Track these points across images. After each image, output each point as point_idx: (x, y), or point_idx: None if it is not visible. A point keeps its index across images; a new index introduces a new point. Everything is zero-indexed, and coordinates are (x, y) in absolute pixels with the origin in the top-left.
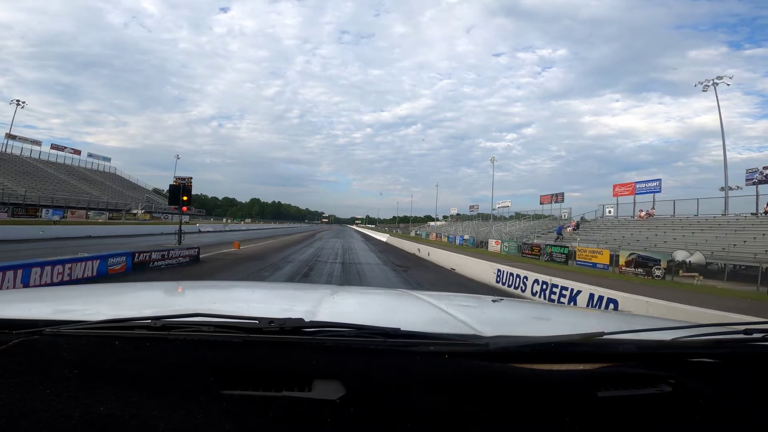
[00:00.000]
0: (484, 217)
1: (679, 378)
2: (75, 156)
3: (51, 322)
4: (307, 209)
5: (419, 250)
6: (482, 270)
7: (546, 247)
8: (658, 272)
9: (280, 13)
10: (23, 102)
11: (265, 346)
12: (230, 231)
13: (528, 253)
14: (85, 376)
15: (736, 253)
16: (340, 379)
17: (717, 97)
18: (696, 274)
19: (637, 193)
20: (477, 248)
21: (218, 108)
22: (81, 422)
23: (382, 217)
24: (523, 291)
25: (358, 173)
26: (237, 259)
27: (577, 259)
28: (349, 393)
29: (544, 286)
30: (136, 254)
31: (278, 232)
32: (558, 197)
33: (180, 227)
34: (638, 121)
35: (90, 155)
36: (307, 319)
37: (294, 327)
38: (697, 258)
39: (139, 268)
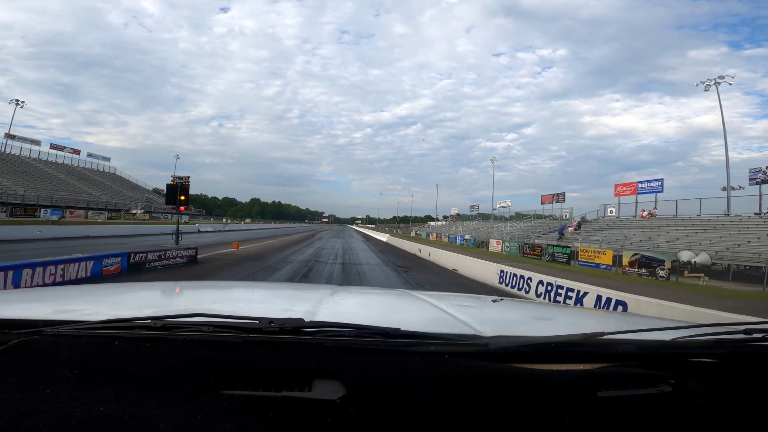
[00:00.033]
0: (485, 217)
1: (679, 378)
2: (74, 156)
3: (51, 322)
4: (307, 209)
5: (420, 250)
6: (484, 270)
7: (548, 247)
8: (662, 273)
9: (280, 13)
10: (22, 102)
11: (265, 346)
12: (230, 231)
13: (529, 254)
14: (85, 376)
15: (741, 254)
16: (340, 379)
17: (719, 96)
18: (701, 274)
19: (639, 193)
20: (478, 248)
21: (218, 108)
22: (81, 422)
23: (382, 217)
24: (527, 292)
25: (358, 173)
26: (235, 259)
27: (579, 259)
28: (349, 393)
29: (549, 288)
30: (132, 255)
31: (278, 232)
32: (559, 197)
33: (177, 227)
34: (638, 121)
35: (89, 155)
36: (307, 319)
37: (294, 327)
38: (702, 258)
39: (134, 269)
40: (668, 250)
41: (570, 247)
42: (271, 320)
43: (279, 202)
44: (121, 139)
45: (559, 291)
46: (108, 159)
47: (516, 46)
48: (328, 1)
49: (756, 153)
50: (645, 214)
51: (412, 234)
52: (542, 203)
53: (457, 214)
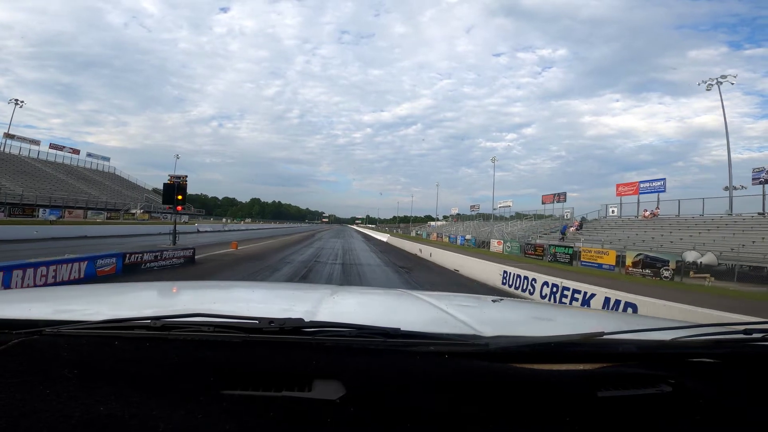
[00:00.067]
0: (485, 217)
1: (679, 378)
2: (74, 155)
3: (51, 322)
4: (307, 209)
5: (421, 250)
6: (486, 271)
7: (549, 247)
8: (666, 273)
9: (280, 13)
10: (22, 101)
11: (265, 346)
12: (229, 231)
13: (531, 254)
14: (85, 376)
15: (746, 254)
16: (340, 379)
17: (721, 96)
18: (707, 275)
19: (641, 193)
20: (479, 248)
21: (218, 108)
22: (81, 422)
23: (382, 217)
24: (531, 294)
25: (358, 173)
26: (234, 260)
27: (581, 259)
28: (349, 393)
29: (554, 289)
30: (127, 255)
31: (278, 232)
32: (560, 197)
33: (174, 227)
34: (638, 121)
35: (89, 155)
36: (307, 319)
37: (294, 327)
38: (708, 259)
39: (129, 270)
40: (671, 250)
41: (572, 247)
42: (271, 320)
43: (279, 202)
44: (121, 139)
45: (565, 293)
46: (107, 159)
47: (516, 46)
48: (328, 1)
49: (756, 153)
50: (647, 213)
51: (413, 234)
52: (543, 203)
53: (458, 214)
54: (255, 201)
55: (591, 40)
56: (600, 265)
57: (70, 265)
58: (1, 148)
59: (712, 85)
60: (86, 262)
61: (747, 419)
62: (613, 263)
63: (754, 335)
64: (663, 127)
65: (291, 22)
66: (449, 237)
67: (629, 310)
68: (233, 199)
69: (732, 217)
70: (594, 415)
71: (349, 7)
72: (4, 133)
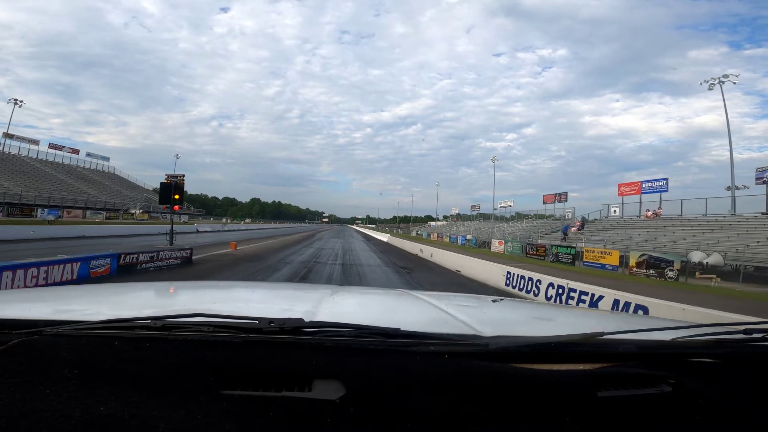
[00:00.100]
0: (486, 217)
1: (679, 378)
2: (73, 155)
3: (51, 322)
4: (307, 209)
5: (422, 250)
6: (489, 271)
7: (551, 247)
8: (671, 274)
9: (280, 13)
10: (21, 101)
11: (265, 346)
12: (229, 231)
13: (533, 254)
14: (85, 376)
15: (750, 254)
16: (340, 379)
17: (723, 95)
18: (713, 276)
19: (643, 193)
20: (480, 248)
21: (218, 108)
22: (81, 422)
23: (382, 217)
24: (536, 296)
25: (358, 173)
26: (232, 260)
27: (584, 260)
28: (349, 393)
29: (560, 291)
30: (122, 256)
31: (278, 232)
32: (561, 197)
33: (171, 227)
34: (638, 121)
35: (88, 154)
36: (307, 319)
37: (294, 327)
38: (715, 259)
39: (125, 271)
40: (675, 250)
41: (574, 247)
42: (271, 320)
43: (279, 202)
44: (122, 138)
45: (572, 294)
46: (107, 159)
47: (516, 46)
48: (328, 1)
49: (756, 153)
50: (650, 213)
51: (413, 234)
52: (544, 203)
53: (458, 214)
54: (255, 201)
55: (591, 40)
56: (603, 266)
57: (62, 266)
58: (1, 148)
59: (714, 84)
60: (79, 263)
61: (747, 419)
62: (617, 264)
63: (754, 335)
64: (663, 127)
65: (291, 22)
66: (450, 237)
67: (640, 313)
68: (233, 199)
69: (735, 217)
70: (594, 415)
71: (349, 7)
72: (3, 133)
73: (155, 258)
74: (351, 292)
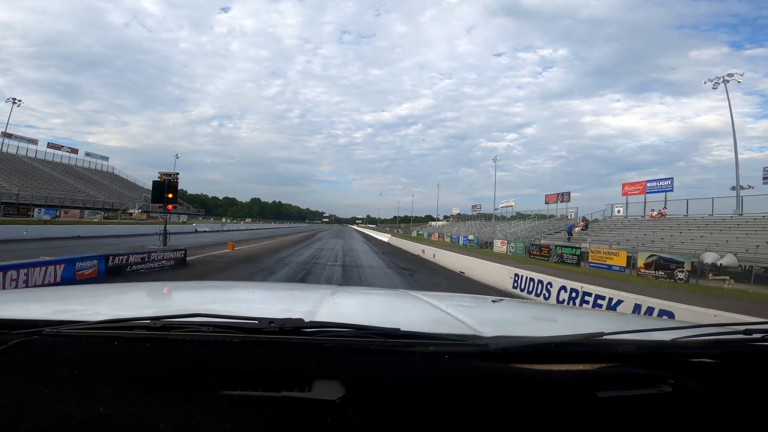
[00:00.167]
0: (487, 217)
1: (679, 378)
2: (72, 155)
3: (51, 322)
4: (307, 209)
5: (423, 251)
6: (494, 273)
7: (556, 248)
8: (681, 275)
9: (281, 12)
10: (19, 100)
11: (265, 347)
12: (228, 231)
13: (536, 254)
14: (85, 376)
15: (762, 254)
16: (340, 379)
17: (728, 94)
18: (726, 277)
19: (648, 192)
20: (482, 249)
21: (219, 108)
22: (81, 422)
23: (382, 217)
24: (546, 299)
25: (358, 173)
26: (229, 261)
27: (589, 260)
28: (349, 393)
29: (573, 294)
30: (111, 257)
31: (277, 232)
32: (564, 196)
33: (165, 227)
34: (639, 121)
35: (87, 154)
36: (306, 320)
37: (294, 327)
38: (729, 260)
39: (114, 273)
40: (682, 250)
41: (579, 248)
42: (271, 320)
43: (279, 201)
44: (122, 138)
45: (586, 298)
46: (106, 158)
47: (516, 46)
48: (328, 1)
49: (757, 153)
50: (655, 213)
51: (413, 234)
52: (546, 203)
53: (459, 214)
54: (255, 201)
55: (591, 40)
56: (609, 267)
57: (44, 268)
58: None
59: (718, 83)
60: (63, 265)
61: (747, 419)
62: (624, 265)
63: (755, 335)
64: (664, 127)
65: (292, 22)
66: (451, 237)
67: (664, 317)
68: (233, 199)
69: (743, 216)
70: (594, 415)
71: (349, 7)
72: (2, 132)
73: (146, 259)
74: (351, 292)
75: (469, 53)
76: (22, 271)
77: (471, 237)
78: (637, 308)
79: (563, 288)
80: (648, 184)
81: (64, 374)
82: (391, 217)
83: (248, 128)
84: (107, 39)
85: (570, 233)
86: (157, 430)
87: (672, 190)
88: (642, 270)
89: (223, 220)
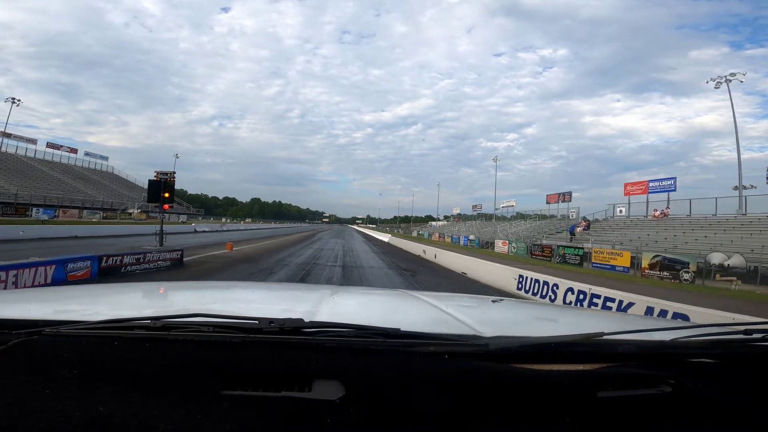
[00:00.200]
0: (487, 217)
1: (679, 378)
2: (71, 155)
3: (51, 323)
4: (307, 209)
5: (425, 251)
6: (496, 273)
7: (558, 248)
8: (686, 276)
9: (281, 12)
10: (18, 100)
11: (265, 347)
12: (227, 231)
13: (538, 255)
14: (85, 376)
15: (767, 254)
16: (340, 380)
17: (730, 94)
18: (734, 278)
19: (650, 192)
20: (483, 249)
21: (219, 108)
22: (81, 422)
23: (383, 217)
24: (552, 301)
25: (358, 173)
26: (227, 262)
27: (592, 261)
28: (349, 393)
29: (581, 296)
30: (104, 258)
31: (277, 232)
32: (565, 196)
33: (161, 227)
34: (639, 121)
35: (87, 154)
36: (306, 320)
37: (294, 327)
38: (736, 261)
39: (107, 274)
40: (686, 250)
41: (582, 248)
42: (271, 320)
43: (279, 201)
44: (122, 138)
45: (595, 300)
46: (106, 158)
47: (516, 46)
48: (328, 1)
49: (757, 153)
50: (657, 213)
51: (414, 234)
52: (548, 203)
53: (459, 214)
54: (255, 201)
55: (591, 40)
56: (613, 267)
57: (34, 269)
58: None
59: (720, 83)
60: (54, 266)
61: (747, 419)
62: (628, 265)
63: (754, 335)
64: (664, 127)
65: (292, 22)
66: (452, 237)
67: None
68: (233, 199)
69: (747, 216)
70: (594, 415)
71: (349, 7)
72: (1, 132)
73: (142, 260)
74: (351, 292)
75: (469, 53)
76: (11, 272)
77: (472, 237)
78: (649, 311)
79: (570, 290)
80: (650, 184)
81: (64, 374)
82: (392, 217)
83: (248, 128)
84: (107, 39)
85: (573, 233)
86: (157, 430)
87: (675, 190)
88: (646, 270)
89: (223, 220)
